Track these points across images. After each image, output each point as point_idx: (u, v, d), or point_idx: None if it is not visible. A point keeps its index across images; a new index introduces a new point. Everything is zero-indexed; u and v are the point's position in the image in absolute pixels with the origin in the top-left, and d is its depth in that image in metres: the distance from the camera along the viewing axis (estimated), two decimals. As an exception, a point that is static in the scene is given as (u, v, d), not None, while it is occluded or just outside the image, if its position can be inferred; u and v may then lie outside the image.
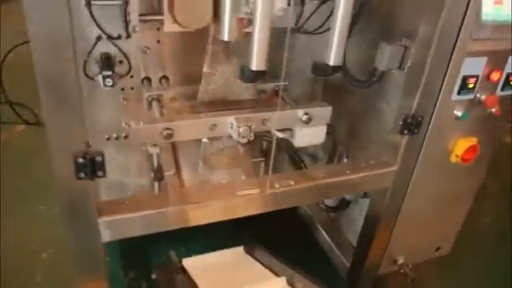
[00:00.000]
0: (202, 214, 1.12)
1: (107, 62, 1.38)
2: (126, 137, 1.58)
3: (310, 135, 1.28)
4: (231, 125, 1.19)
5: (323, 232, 1.81)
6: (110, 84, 1.38)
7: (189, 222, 1.10)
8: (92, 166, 0.92)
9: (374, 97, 1.36)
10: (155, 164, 1.55)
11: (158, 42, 1.46)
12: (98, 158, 0.92)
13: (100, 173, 0.93)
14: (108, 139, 1.56)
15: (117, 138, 1.58)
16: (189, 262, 1.53)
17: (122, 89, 1.50)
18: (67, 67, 0.84)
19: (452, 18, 1.11)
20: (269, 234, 1.67)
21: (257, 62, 0.97)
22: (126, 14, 1.27)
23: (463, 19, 1.13)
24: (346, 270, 1.68)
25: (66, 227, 1.02)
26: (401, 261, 1.60)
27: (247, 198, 1.16)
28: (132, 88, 1.50)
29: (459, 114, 1.30)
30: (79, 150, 0.90)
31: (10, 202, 2.05)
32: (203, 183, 1.43)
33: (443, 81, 1.22)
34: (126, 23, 1.28)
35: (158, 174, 1.56)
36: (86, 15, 1.28)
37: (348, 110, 1.49)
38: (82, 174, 0.92)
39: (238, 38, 1.20)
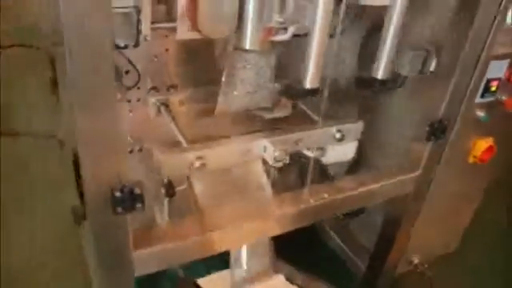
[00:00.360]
0: (240, 237, 1.07)
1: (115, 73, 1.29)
2: (131, 151, 1.49)
3: (340, 152, 1.25)
4: (264, 148, 1.14)
5: (334, 235, 1.79)
6: (118, 97, 1.29)
7: (227, 245, 1.04)
8: (131, 200, 0.84)
9: (393, 101, 1.34)
10: (165, 179, 1.47)
11: (167, 50, 1.37)
12: (137, 190, 0.84)
13: (139, 205, 0.85)
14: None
15: (122, 153, 1.48)
16: (204, 281, 1.46)
17: (129, 101, 1.40)
18: (109, 83, 0.75)
19: (484, 22, 1.10)
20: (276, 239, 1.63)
21: (311, 80, 0.91)
22: (137, 22, 1.18)
23: (492, 23, 1.12)
24: (360, 272, 1.67)
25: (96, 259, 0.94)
26: (416, 261, 1.61)
27: (282, 216, 1.11)
28: (138, 100, 1.40)
29: (481, 116, 1.30)
30: (116, 181, 0.82)
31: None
32: (221, 198, 1.37)
33: (469, 85, 1.21)
34: (137, 32, 1.19)
35: (170, 190, 1.48)
36: None
37: (363, 113, 1.46)
38: (119, 209, 0.84)
39: (262, 47, 1.15)
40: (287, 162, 1.17)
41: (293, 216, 1.15)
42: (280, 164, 1.17)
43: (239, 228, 1.07)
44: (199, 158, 1.09)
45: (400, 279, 1.64)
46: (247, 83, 1.22)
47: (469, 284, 1.79)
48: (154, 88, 1.41)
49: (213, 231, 1.03)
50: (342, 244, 1.76)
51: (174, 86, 1.45)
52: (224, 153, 1.13)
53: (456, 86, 1.18)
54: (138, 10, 1.15)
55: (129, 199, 0.83)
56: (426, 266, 1.59)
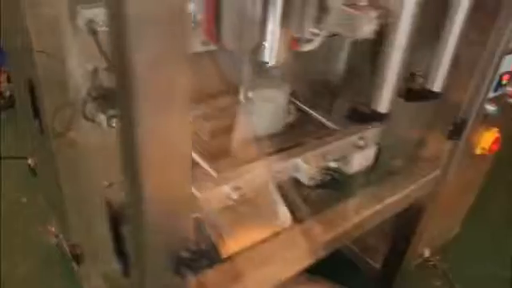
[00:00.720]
0: (283, 272, 0.99)
1: (110, 97, 1.13)
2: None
3: (362, 159, 1.20)
4: (296, 167, 1.05)
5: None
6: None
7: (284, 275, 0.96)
8: (199, 258, 0.72)
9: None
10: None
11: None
12: (206, 246, 0.73)
13: (205, 262, 0.74)
14: (110, 186, 1.29)
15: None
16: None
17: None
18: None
19: (505, 19, 1.09)
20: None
21: (385, 103, 0.83)
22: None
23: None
24: (372, 272, 1.66)
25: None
26: (427, 253, 1.63)
27: (331, 238, 1.05)
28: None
29: (492, 109, 1.31)
30: (183, 240, 0.70)
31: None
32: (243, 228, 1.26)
33: (486, 81, 1.21)
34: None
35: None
36: (78, 46, 1.02)
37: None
38: (184, 270, 0.72)
39: (285, 60, 1.06)
40: (321, 178, 1.11)
41: (327, 242, 1.09)
42: (314, 182, 1.10)
43: (282, 265, 1.01)
44: (236, 188, 0.98)
45: (412, 273, 1.65)
46: (265, 118, 1.14)
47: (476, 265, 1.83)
48: (152, 108, 1.27)
49: (257, 271, 0.95)
50: (350, 244, 1.74)
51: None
52: (258, 179, 1.03)
53: (477, 84, 1.17)
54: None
55: (197, 258, 0.71)
56: (438, 257, 1.62)
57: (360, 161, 1.24)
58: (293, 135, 1.26)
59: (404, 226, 1.47)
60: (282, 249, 1.04)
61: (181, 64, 0.58)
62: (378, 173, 1.39)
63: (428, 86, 0.96)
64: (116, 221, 0.78)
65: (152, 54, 0.54)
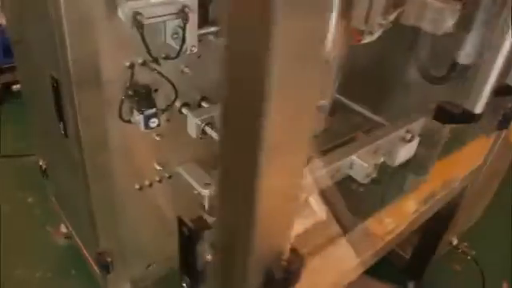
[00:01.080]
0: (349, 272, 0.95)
1: (147, 95, 1.05)
2: (159, 181, 1.25)
3: (406, 151, 1.16)
4: (351, 164, 1.00)
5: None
6: (156, 125, 1.06)
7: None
8: (292, 277, 0.66)
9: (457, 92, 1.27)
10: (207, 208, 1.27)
11: (199, 57, 1.13)
12: (296, 266, 0.67)
13: (296, 280, 0.68)
14: (140, 189, 1.21)
15: (150, 185, 1.23)
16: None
17: (158, 124, 1.15)
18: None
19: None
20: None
21: (482, 103, 0.78)
22: (184, 31, 0.95)
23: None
24: (402, 261, 1.65)
25: None
26: (455, 241, 1.62)
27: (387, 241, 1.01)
28: (168, 120, 1.16)
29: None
30: (278, 259, 0.64)
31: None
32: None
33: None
34: (183, 42, 0.97)
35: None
36: (114, 41, 0.93)
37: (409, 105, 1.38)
38: (277, 290, 0.66)
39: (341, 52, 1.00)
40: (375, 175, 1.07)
41: (383, 246, 1.05)
42: (368, 179, 1.06)
43: (338, 273, 0.97)
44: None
45: (442, 260, 1.64)
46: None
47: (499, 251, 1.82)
48: (185, 104, 1.18)
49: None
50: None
51: (205, 98, 1.23)
52: (316, 179, 0.97)
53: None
54: (186, 17, 0.93)
55: (290, 277, 0.66)
56: (466, 244, 1.61)
57: (404, 153, 1.20)
58: (336, 131, 1.21)
59: (439, 217, 1.45)
60: (338, 256, 0.99)
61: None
62: (423, 165, 1.36)
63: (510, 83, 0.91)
64: (188, 237, 0.71)
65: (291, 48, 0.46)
